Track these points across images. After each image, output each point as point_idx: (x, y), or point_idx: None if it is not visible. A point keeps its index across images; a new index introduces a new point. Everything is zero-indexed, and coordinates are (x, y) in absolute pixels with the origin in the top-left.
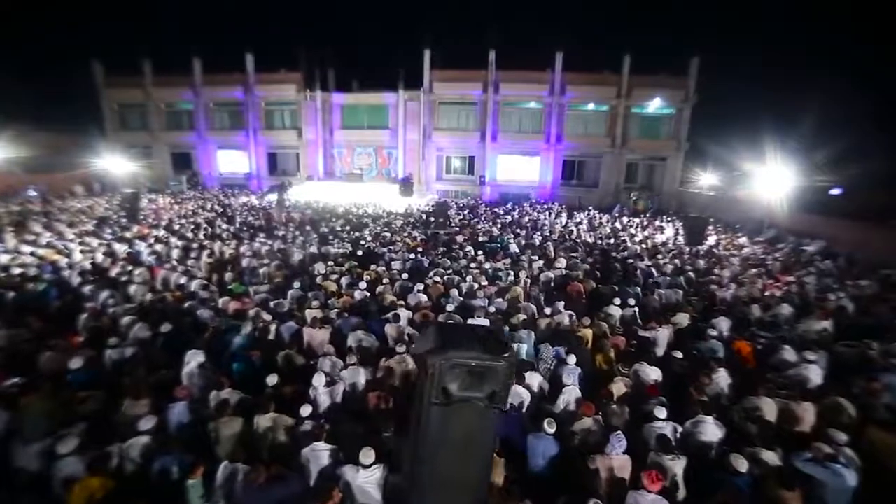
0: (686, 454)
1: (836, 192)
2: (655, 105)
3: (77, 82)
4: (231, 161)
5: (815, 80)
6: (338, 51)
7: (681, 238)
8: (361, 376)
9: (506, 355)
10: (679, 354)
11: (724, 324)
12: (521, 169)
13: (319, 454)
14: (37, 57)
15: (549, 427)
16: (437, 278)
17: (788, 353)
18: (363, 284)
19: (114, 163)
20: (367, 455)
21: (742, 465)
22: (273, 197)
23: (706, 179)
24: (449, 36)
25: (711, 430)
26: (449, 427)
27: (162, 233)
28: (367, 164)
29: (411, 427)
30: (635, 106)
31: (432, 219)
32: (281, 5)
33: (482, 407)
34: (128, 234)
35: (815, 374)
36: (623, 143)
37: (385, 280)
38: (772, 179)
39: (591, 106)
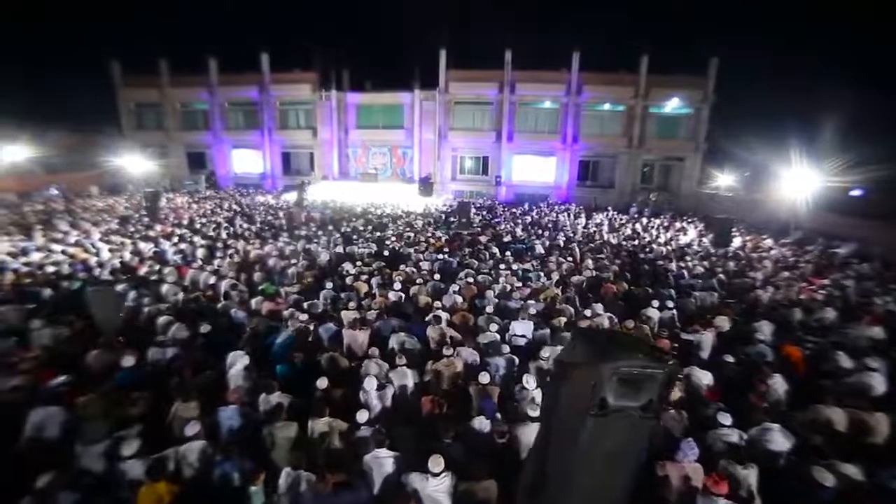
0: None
1: (856, 193)
2: (673, 105)
3: (94, 82)
4: (246, 161)
5: (835, 80)
6: (352, 50)
7: (705, 240)
8: (409, 379)
9: (670, 363)
10: (730, 358)
11: (766, 328)
12: (537, 169)
13: (383, 461)
14: (54, 57)
15: None
16: (470, 279)
17: (843, 360)
18: (397, 285)
19: (130, 162)
20: (437, 462)
21: (828, 479)
22: (289, 196)
23: (724, 180)
24: (465, 36)
25: (779, 439)
26: (600, 438)
27: (184, 232)
28: (382, 164)
29: (549, 438)
30: (653, 106)
31: (453, 219)
32: (295, 4)
33: (637, 417)
34: (151, 234)
35: (878, 382)
36: (640, 144)
37: (419, 281)
38: (795, 180)
39: (606, 106)
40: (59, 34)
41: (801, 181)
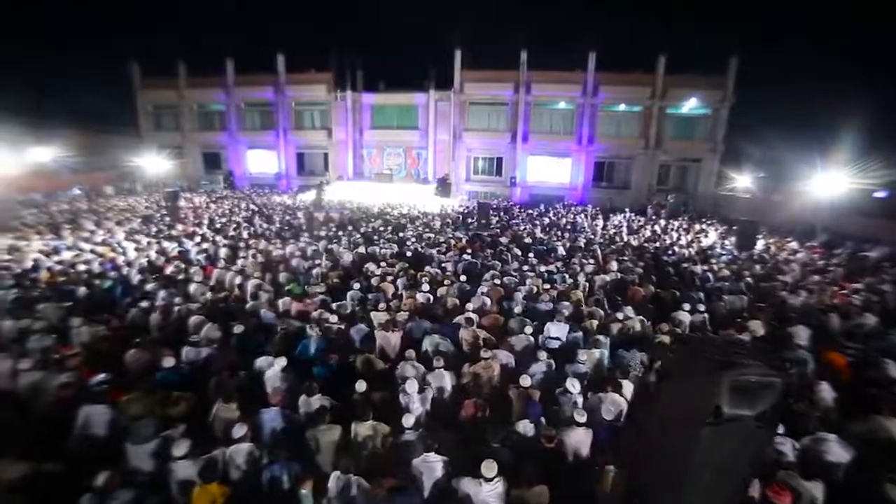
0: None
1: (880, 195)
2: (691, 105)
3: (114, 83)
4: (260, 161)
5: (857, 80)
6: (367, 51)
7: (727, 242)
8: (447, 381)
9: (791, 371)
10: None
11: (803, 333)
12: (552, 170)
13: (433, 465)
14: (74, 59)
15: None
16: (497, 281)
17: (893, 368)
18: (425, 287)
19: (148, 162)
20: (490, 467)
21: None
22: (305, 197)
23: (742, 181)
24: (480, 36)
25: (837, 450)
26: (713, 449)
27: (205, 231)
28: (397, 165)
29: (644, 449)
30: (670, 107)
31: (470, 220)
32: (310, 5)
33: (751, 428)
34: (174, 233)
35: None
36: (657, 145)
37: (446, 282)
38: (819, 181)
39: (622, 107)
40: (77, 37)
41: (825, 182)
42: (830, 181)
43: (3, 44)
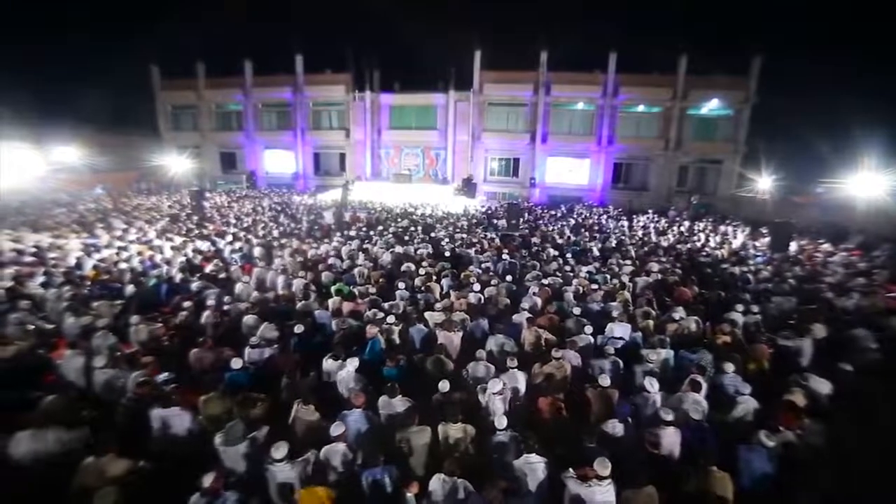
0: None
1: None
2: (712, 106)
3: (133, 85)
4: (277, 161)
5: (878, 81)
6: (386, 51)
7: (758, 244)
8: (521, 381)
9: None
10: (849, 367)
11: (866, 335)
12: (570, 171)
13: (535, 466)
14: (96, 61)
15: (768, 440)
16: (544, 281)
17: None
18: (477, 286)
19: (167, 162)
20: (605, 466)
21: None
22: (324, 197)
23: (763, 183)
24: (500, 37)
25: None
26: None
27: (236, 230)
28: (415, 165)
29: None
30: (691, 107)
31: (496, 220)
32: (329, 6)
33: None
34: (205, 232)
35: None
36: (677, 146)
37: (493, 282)
38: (849, 183)
39: (642, 108)
40: (98, 39)
41: (855, 184)
42: (860, 182)
43: (26, 46)
